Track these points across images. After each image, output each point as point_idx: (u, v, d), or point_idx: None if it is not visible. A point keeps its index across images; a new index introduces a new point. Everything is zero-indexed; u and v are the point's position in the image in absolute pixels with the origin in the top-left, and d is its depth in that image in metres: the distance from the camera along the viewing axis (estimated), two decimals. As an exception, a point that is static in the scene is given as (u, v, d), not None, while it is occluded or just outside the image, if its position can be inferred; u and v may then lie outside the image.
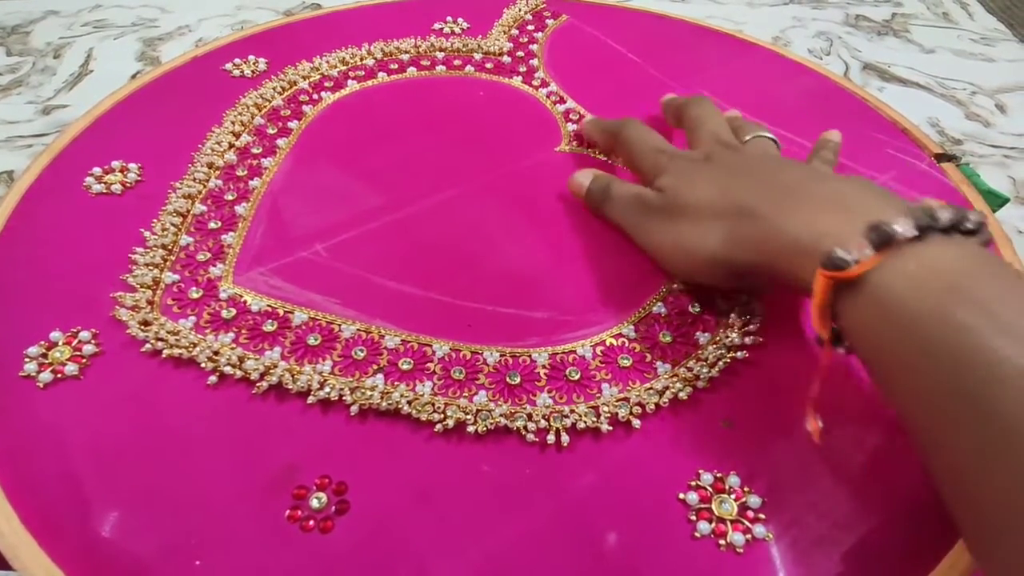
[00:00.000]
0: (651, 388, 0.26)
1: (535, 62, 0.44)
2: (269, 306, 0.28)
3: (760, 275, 0.26)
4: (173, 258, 0.30)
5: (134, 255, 0.30)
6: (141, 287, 0.28)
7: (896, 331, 0.20)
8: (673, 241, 0.29)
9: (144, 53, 0.69)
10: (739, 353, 0.28)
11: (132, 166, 0.34)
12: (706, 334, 0.29)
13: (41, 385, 0.25)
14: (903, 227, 0.20)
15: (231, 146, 0.36)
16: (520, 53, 0.45)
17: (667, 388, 0.26)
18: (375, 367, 0.27)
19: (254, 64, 0.41)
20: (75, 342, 0.26)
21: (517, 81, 0.42)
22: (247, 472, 0.23)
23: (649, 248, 0.31)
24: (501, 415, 0.25)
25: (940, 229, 0.20)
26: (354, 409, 0.25)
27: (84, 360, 0.26)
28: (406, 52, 0.44)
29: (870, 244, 0.20)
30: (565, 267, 0.31)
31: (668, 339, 0.28)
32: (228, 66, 0.41)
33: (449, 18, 0.47)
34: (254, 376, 0.26)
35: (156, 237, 0.30)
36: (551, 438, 0.25)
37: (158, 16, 0.74)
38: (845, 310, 0.21)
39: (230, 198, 0.33)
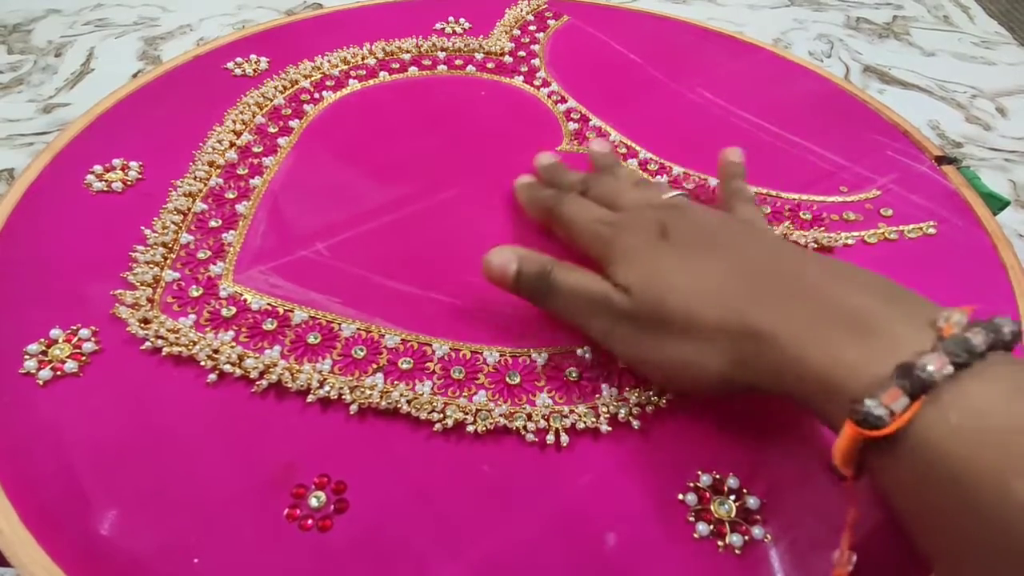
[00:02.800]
0: (651, 389, 0.26)
1: (536, 62, 0.44)
2: (269, 304, 0.28)
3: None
4: (173, 256, 0.30)
5: (134, 253, 0.30)
6: (141, 285, 0.28)
7: (940, 493, 0.18)
8: (666, 360, 0.24)
9: (145, 52, 0.69)
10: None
11: (133, 164, 0.34)
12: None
13: (41, 382, 0.25)
14: (938, 366, 0.18)
15: (232, 145, 0.36)
16: (521, 53, 0.45)
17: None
18: (375, 366, 0.27)
19: (255, 63, 0.41)
20: (75, 340, 0.26)
21: (518, 81, 0.43)
22: (246, 470, 0.23)
23: (634, 364, 0.26)
24: (500, 415, 0.25)
25: (978, 354, 0.18)
26: (353, 408, 0.25)
27: (84, 358, 0.26)
28: (407, 52, 0.44)
29: (904, 391, 0.18)
30: (565, 267, 0.31)
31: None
32: (229, 65, 0.41)
33: (451, 18, 0.47)
34: (253, 375, 0.26)
35: (157, 235, 0.30)
36: (550, 438, 0.25)
37: (159, 15, 0.75)
38: (877, 461, 0.19)
39: (231, 196, 0.33)
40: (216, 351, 0.26)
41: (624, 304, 0.25)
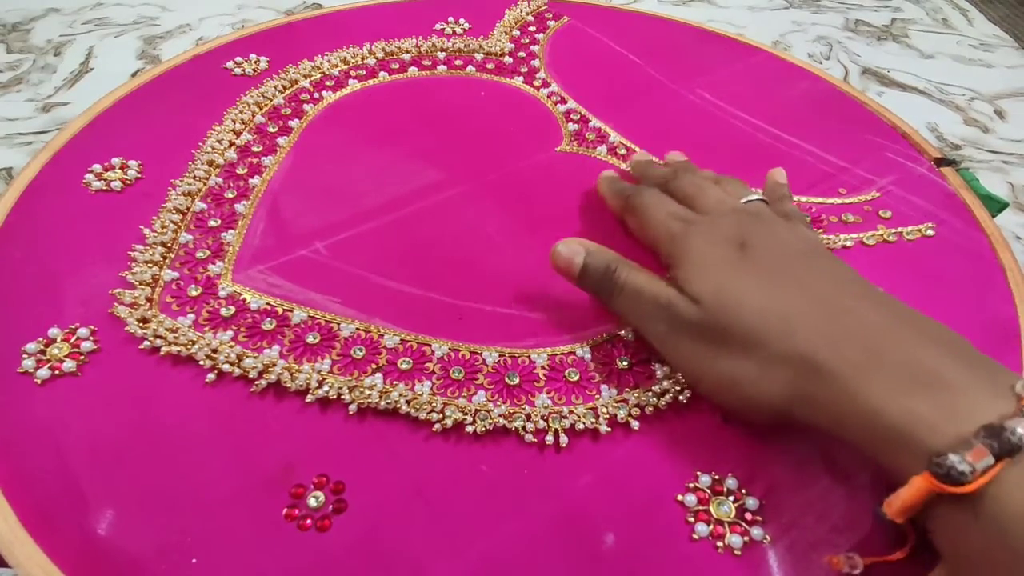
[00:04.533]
0: (650, 390, 0.26)
1: (536, 63, 0.44)
2: (268, 304, 0.28)
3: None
4: (172, 255, 0.30)
5: (133, 252, 0.30)
6: (140, 284, 0.28)
7: (1011, 555, 0.18)
8: (721, 376, 0.24)
9: (145, 51, 0.68)
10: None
11: (132, 163, 0.34)
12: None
13: (39, 381, 0.25)
14: None
15: (231, 144, 0.36)
16: (521, 54, 0.45)
17: (666, 391, 0.26)
18: (374, 366, 0.27)
19: (255, 63, 0.41)
20: (73, 339, 0.26)
21: (518, 81, 0.43)
22: (244, 470, 0.23)
23: (685, 374, 0.26)
24: (500, 415, 0.25)
25: None
26: (352, 408, 0.25)
27: (82, 357, 0.26)
28: (407, 52, 0.44)
29: (991, 451, 0.18)
30: (565, 268, 0.31)
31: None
32: (229, 64, 0.41)
33: (451, 18, 0.47)
34: (252, 374, 0.26)
35: (156, 234, 0.30)
36: (550, 439, 0.25)
37: (159, 14, 0.74)
38: (946, 516, 0.19)
39: (230, 196, 0.33)
40: (215, 351, 0.26)
41: (689, 313, 0.24)
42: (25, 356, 0.26)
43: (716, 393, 0.25)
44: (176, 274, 0.29)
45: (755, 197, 0.29)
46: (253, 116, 0.38)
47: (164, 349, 0.26)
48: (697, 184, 0.30)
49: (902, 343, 0.21)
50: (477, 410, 0.25)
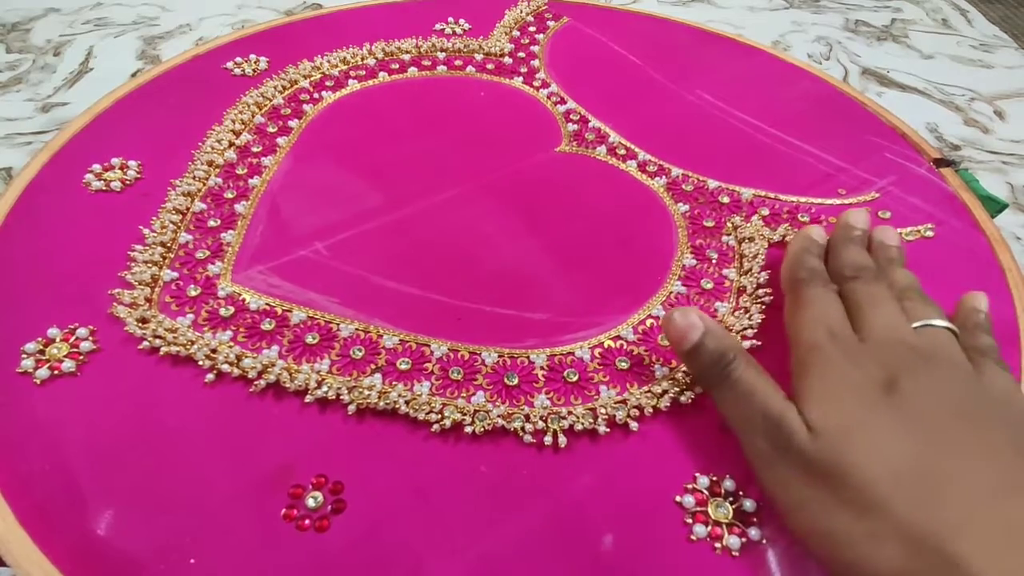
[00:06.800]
0: (649, 391, 0.26)
1: (536, 63, 0.44)
2: (267, 304, 0.28)
3: None
4: (172, 255, 0.30)
5: (133, 252, 0.30)
6: (139, 284, 0.28)
7: None
8: (816, 524, 0.20)
9: (144, 51, 0.68)
10: (737, 356, 0.28)
11: (132, 163, 0.34)
12: (704, 337, 0.29)
13: (38, 381, 0.25)
14: None
15: (231, 144, 0.36)
16: (521, 54, 0.45)
17: (665, 392, 0.26)
18: (373, 366, 0.27)
19: (255, 63, 0.41)
20: (72, 339, 0.26)
21: (518, 82, 0.43)
22: (243, 470, 0.23)
23: (776, 503, 0.22)
24: (499, 416, 0.25)
25: None
26: (351, 408, 0.25)
27: (81, 357, 0.26)
28: (407, 52, 0.44)
29: None
30: (564, 268, 0.31)
31: (667, 343, 0.28)
32: (229, 64, 0.41)
33: (450, 19, 0.47)
34: (251, 374, 0.26)
35: (155, 234, 0.30)
36: (548, 439, 0.25)
37: (159, 14, 0.74)
38: None
39: (230, 196, 0.33)
40: (214, 351, 0.26)
41: (802, 442, 0.21)
42: (24, 356, 0.26)
43: (804, 536, 0.21)
44: (175, 274, 0.29)
45: (939, 323, 0.24)
46: (253, 116, 0.38)
47: (163, 349, 0.26)
48: (874, 297, 0.25)
49: None
50: (476, 410, 0.25)
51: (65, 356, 0.26)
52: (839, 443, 0.20)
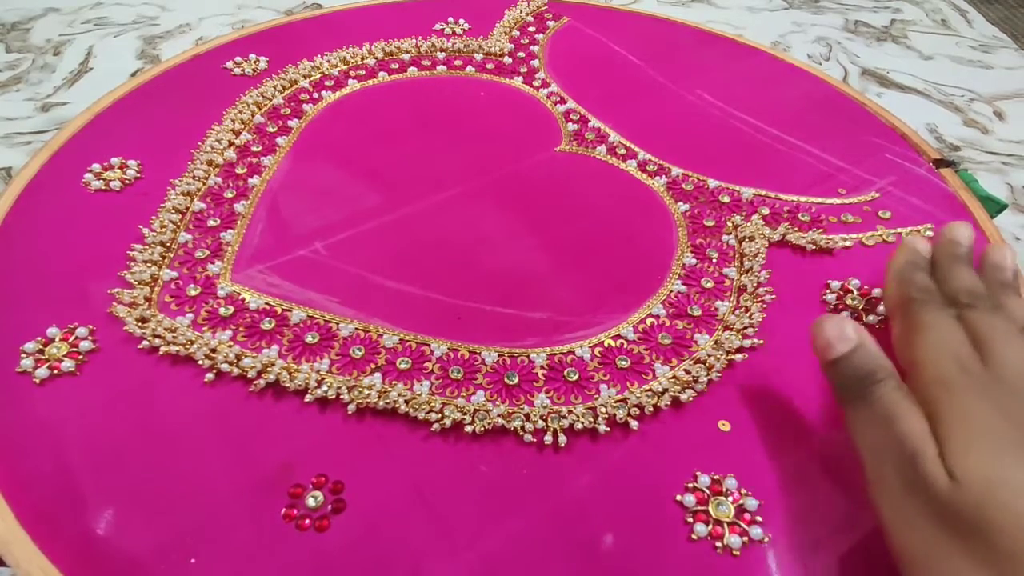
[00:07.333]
0: (649, 390, 0.26)
1: (536, 63, 0.44)
2: (267, 304, 0.28)
3: None
4: (171, 255, 0.30)
5: (132, 252, 0.30)
6: (139, 284, 0.28)
7: None
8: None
9: (144, 51, 0.68)
10: (738, 356, 0.28)
11: (131, 163, 0.34)
12: (705, 336, 0.29)
13: (37, 381, 0.25)
14: None
15: (231, 144, 0.36)
16: (521, 54, 0.45)
17: (666, 390, 0.26)
18: (373, 366, 0.27)
19: (255, 63, 0.41)
20: (72, 338, 0.26)
21: (518, 82, 0.43)
22: (243, 470, 0.23)
23: (894, 539, 0.21)
24: (499, 415, 0.25)
25: None
26: (351, 408, 0.25)
27: (81, 356, 0.26)
28: (407, 52, 0.44)
29: None
30: (564, 268, 0.31)
31: (667, 341, 0.28)
32: (228, 64, 0.41)
33: (450, 19, 0.47)
34: (251, 374, 0.26)
35: (155, 234, 0.30)
36: (548, 439, 0.25)
37: (159, 14, 0.74)
38: None
39: (229, 196, 0.33)
40: (214, 350, 0.26)
41: (938, 485, 0.19)
42: (24, 355, 0.26)
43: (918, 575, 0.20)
44: (175, 274, 0.29)
45: None
46: (252, 116, 0.38)
47: (163, 349, 0.26)
48: (1001, 331, 0.23)
49: None
50: (476, 410, 0.25)
51: (64, 356, 0.26)
52: (982, 495, 0.19)
